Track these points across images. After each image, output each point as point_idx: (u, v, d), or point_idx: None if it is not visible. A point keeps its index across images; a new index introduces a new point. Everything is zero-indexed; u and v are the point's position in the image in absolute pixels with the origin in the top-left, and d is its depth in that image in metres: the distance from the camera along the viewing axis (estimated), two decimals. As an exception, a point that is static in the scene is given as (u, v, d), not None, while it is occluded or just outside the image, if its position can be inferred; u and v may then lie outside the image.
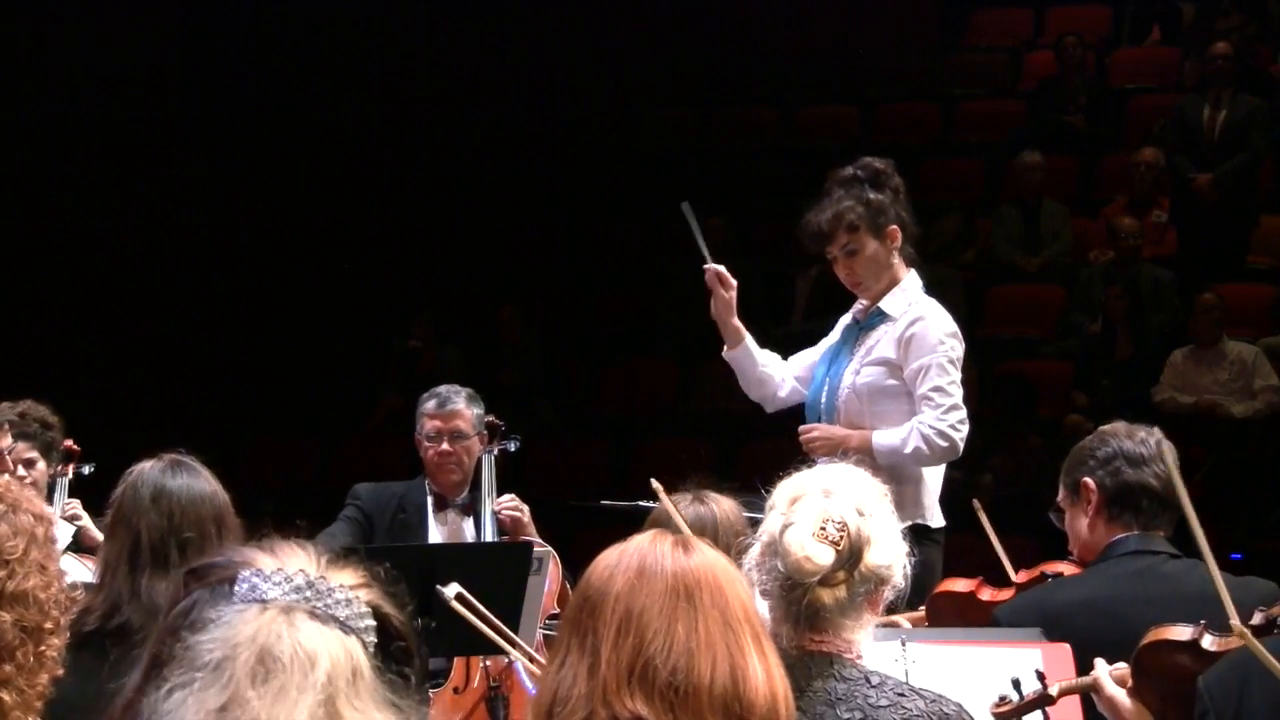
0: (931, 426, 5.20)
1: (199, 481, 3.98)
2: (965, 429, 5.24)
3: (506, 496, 6.04)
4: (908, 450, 5.20)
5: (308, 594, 1.92)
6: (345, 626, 1.91)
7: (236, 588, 1.93)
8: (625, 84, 12.78)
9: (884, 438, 5.25)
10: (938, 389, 5.23)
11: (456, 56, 12.23)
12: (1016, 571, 4.84)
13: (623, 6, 12.48)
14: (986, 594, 4.69)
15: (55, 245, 10.25)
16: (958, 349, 5.30)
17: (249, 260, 11.12)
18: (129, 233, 10.57)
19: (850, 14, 12.90)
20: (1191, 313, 9.98)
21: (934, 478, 5.33)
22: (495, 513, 5.98)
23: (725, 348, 5.62)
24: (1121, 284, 10.28)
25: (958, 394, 5.24)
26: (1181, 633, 3.36)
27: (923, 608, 4.58)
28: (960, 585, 4.72)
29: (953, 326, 5.34)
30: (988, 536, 5.18)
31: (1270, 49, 12.41)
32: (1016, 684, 3.35)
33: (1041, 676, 3.36)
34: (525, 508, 6.02)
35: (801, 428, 5.40)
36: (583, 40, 12.44)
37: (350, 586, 1.96)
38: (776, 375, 5.59)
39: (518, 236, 12.28)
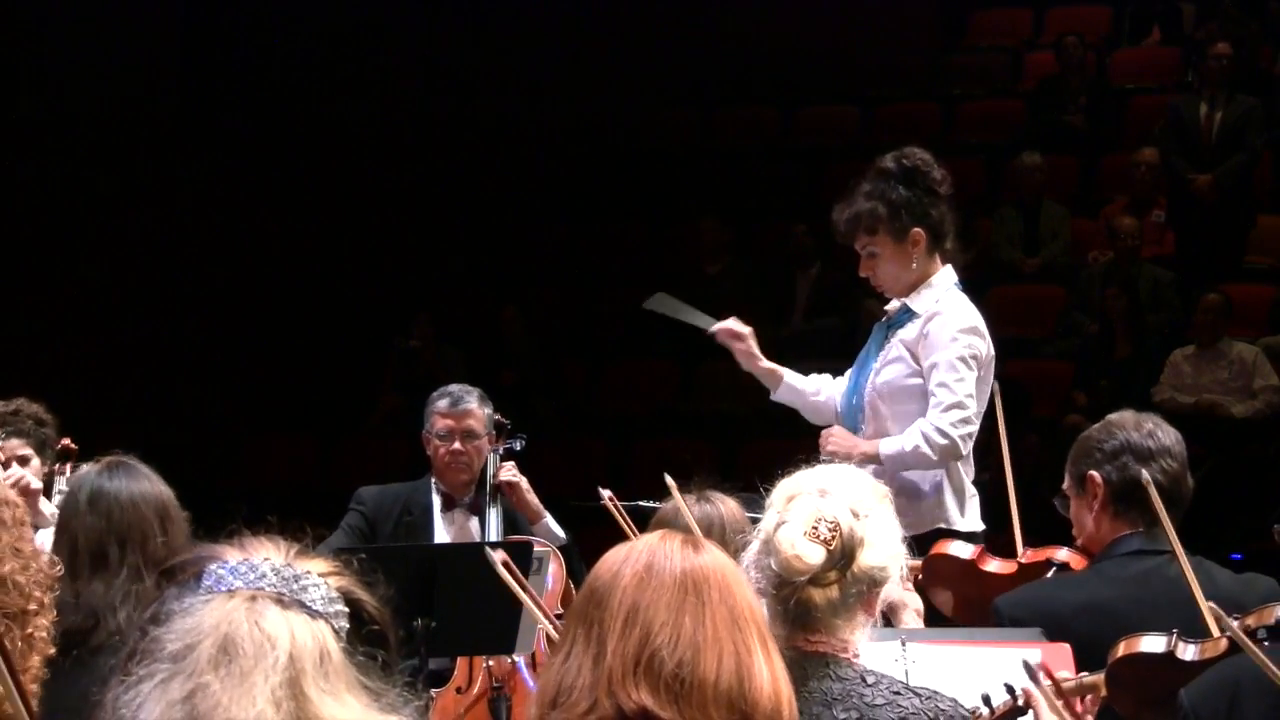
0: (932, 425, 5.09)
1: (137, 480, 3.99)
2: (967, 428, 5.10)
3: (507, 464, 6.03)
4: (908, 449, 5.10)
5: (273, 580, 1.92)
6: (312, 611, 1.91)
7: (203, 580, 1.93)
8: (626, 84, 12.78)
9: (889, 445, 5.15)
10: (942, 385, 5.11)
11: (457, 56, 12.24)
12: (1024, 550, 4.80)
13: (623, 7, 12.49)
14: (991, 564, 4.65)
15: (54, 244, 10.25)
16: (975, 345, 5.16)
17: (249, 260, 11.12)
18: (128, 232, 10.57)
19: (850, 14, 12.90)
20: (1191, 313, 9.98)
21: (956, 479, 5.22)
22: (496, 485, 5.98)
23: (770, 393, 5.50)
24: (1120, 284, 10.28)
25: (962, 392, 5.10)
26: (1154, 644, 3.34)
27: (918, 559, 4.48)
28: (963, 550, 4.68)
29: (971, 322, 5.21)
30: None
31: (1271, 49, 12.41)
32: (987, 699, 3.30)
33: (1010, 689, 3.31)
34: (522, 478, 5.99)
35: (825, 430, 5.29)
36: (583, 41, 12.44)
37: (320, 574, 1.96)
38: (831, 399, 5.46)
39: (518, 236, 12.28)
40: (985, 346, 5.21)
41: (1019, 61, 13.51)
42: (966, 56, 13.83)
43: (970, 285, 5.04)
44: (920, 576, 4.49)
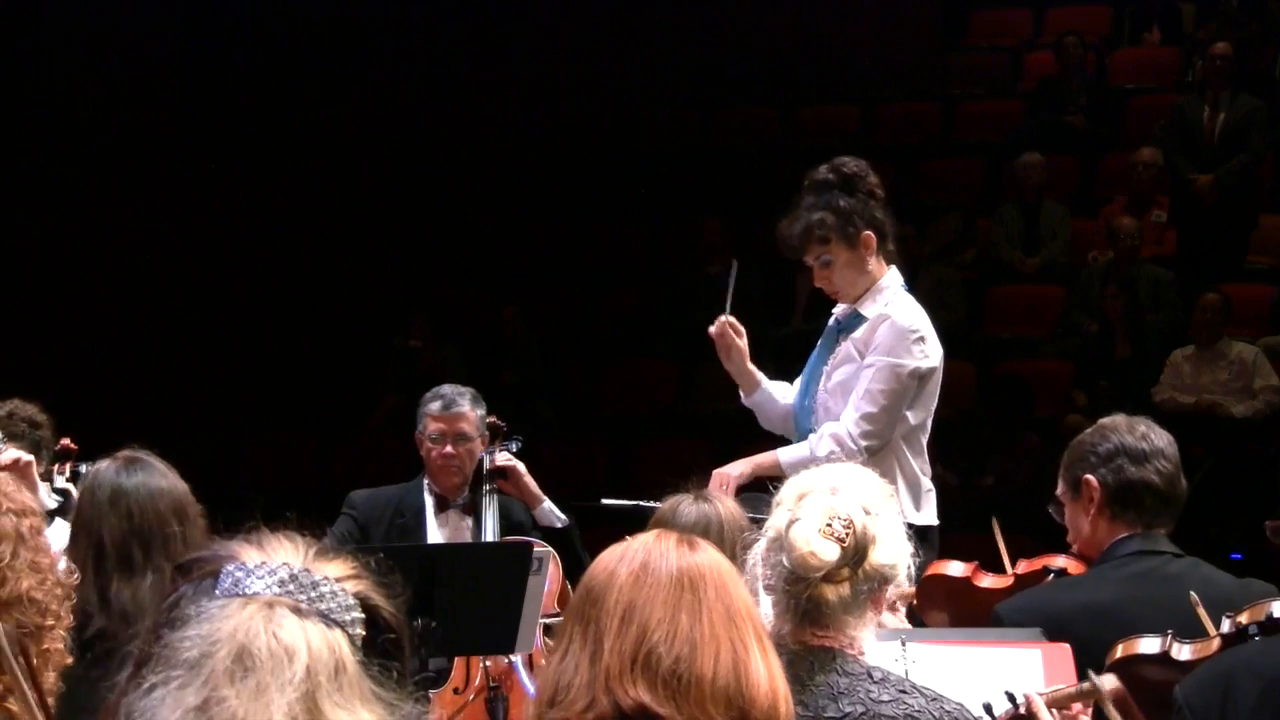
0: (845, 430, 5.22)
1: (154, 477, 3.96)
2: (872, 441, 5.21)
3: (502, 454, 6.04)
4: (820, 455, 5.15)
5: (290, 587, 1.89)
6: (329, 620, 1.88)
7: (220, 582, 1.90)
8: (625, 84, 12.78)
9: (790, 453, 5.27)
10: (869, 392, 5.24)
11: (456, 56, 12.23)
12: (1014, 565, 4.80)
13: (623, 7, 12.49)
14: (984, 580, 4.65)
15: (55, 245, 10.25)
16: (918, 361, 5.25)
17: (249, 260, 11.12)
18: (128, 233, 10.56)
19: (850, 14, 12.90)
20: (1191, 313, 9.98)
21: (909, 472, 5.30)
22: (492, 470, 5.98)
23: (742, 395, 5.60)
24: (1120, 284, 10.27)
25: (881, 403, 5.21)
26: (1150, 645, 3.34)
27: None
28: (955, 569, 4.68)
29: (916, 330, 5.28)
30: (988, 536, 5.16)
31: (1273, 50, 12.41)
32: (989, 709, 3.29)
33: (1011, 697, 3.30)
34: (519, 463, 6.03)
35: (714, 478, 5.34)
36: (583, 40, 12.44)
37: (337, 578, 1.93)
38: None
39: (518, 236, 12.28)
40: (932, 354, 5.31)
41: (1019, 61, 13.51)
42: (966, 56, 13.83)
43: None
44: (915, 603, 4.50)
